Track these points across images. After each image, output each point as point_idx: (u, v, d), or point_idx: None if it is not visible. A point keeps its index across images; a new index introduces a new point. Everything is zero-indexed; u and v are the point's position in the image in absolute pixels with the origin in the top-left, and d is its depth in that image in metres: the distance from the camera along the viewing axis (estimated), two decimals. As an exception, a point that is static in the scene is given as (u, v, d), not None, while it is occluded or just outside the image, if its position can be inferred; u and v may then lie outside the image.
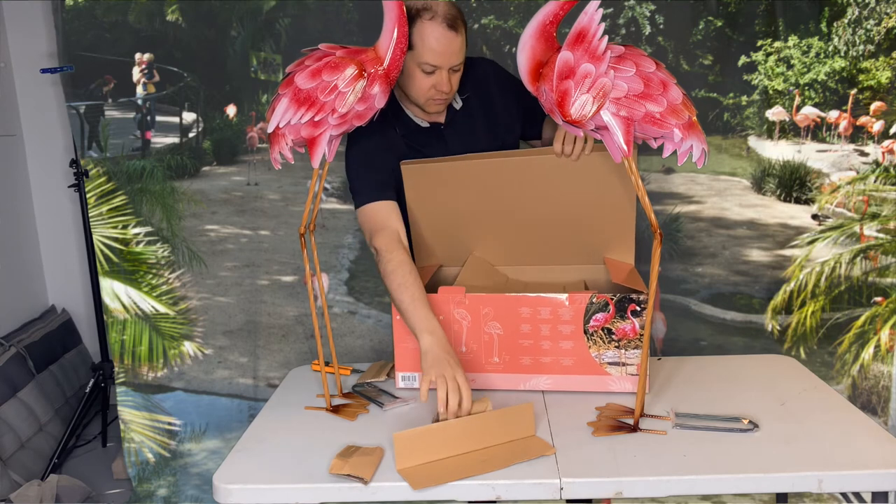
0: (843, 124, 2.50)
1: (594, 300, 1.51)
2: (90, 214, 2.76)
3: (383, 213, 1.65)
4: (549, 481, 1.24)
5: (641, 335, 1.50)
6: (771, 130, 2.55)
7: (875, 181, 2.52)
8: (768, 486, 1.26)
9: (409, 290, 1.52)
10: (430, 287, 1.66)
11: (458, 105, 1.72)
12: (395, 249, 1.59)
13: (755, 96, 2.52)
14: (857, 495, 1.52)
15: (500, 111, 1.76)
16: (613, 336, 1.52)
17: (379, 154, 1.69)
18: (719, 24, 2.48)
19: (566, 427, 1.42)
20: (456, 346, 1.57)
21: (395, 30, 1.41)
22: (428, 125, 1.72)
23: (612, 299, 1.51)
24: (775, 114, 2.53)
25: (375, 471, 1.29)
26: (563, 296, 1.52)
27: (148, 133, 2.73)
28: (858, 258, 2.53)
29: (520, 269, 1.77)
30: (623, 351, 1.53)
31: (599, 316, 1.52)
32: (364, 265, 2.70)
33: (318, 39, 1.47)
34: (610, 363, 1.54)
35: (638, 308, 1.50)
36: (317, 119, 1.41)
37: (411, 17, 1.52)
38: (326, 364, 1.66)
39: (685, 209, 2.59)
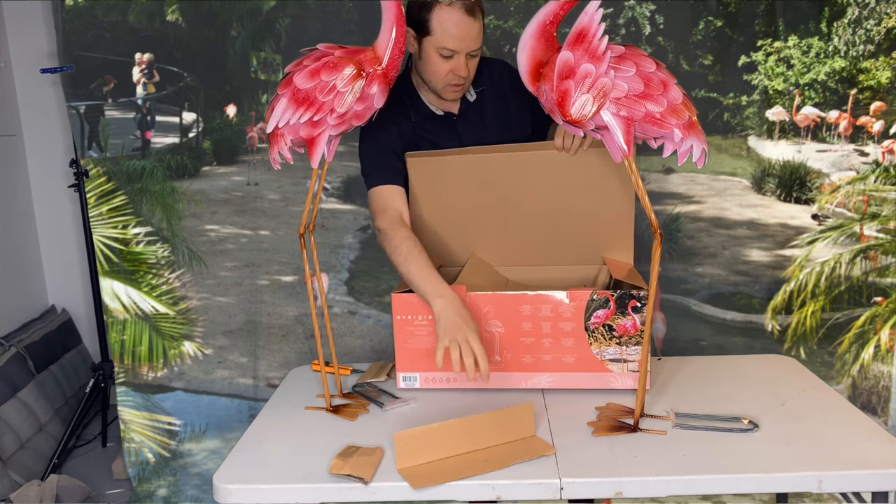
0: (843, 124, 2.50)
1: (595, 297, 1.51)
2: (90, 214, 2.76)
3: (388, 195, 1.70)
4: (549, 481, 1.24)
5: (642, 331, 1.50)
6: (771, 130, 2.54)
7: (875, 181, 2.51)
8: (768, 486, 1.26)
9: (415, 260, 1.55)
10: None
11: (472, 97, 1.75)
12: (397, 227, 1.64)
13: (755, 96, 2.52)
14: (857, 495, 1.51)
15: (512, 110, 1.78)
16: (614, 333, 1.53)
17: (393, 144, 1.72)
18: (719, 24, 2.48)
19: (566, 427, 1.42)
20: None
21: (394, 29, 1.41)
22: (442, 113, 1.74)
23: (612, 296, 1.51)
24: (775, 114, 2.52)
25: (375, 471, 1.29)
26: (564, 293, 1.52)
27: (148, 133, 2.73)
28: (858, 258, 2.53)
29: (519, 270, 1.77)
30: (624, 347, 1.53)
31: (600, 313, 1.52)
32: (364, 265, 2.70)
33: (318, 39, 1.47)
34: (611, 360, 1.54)
35: (638, 304, 1.50)
36: (315, 119, 1.41)
37: (429, 3, 1.56)
38: (326, 364, 1.66)
39: (685, 209, 2.59)
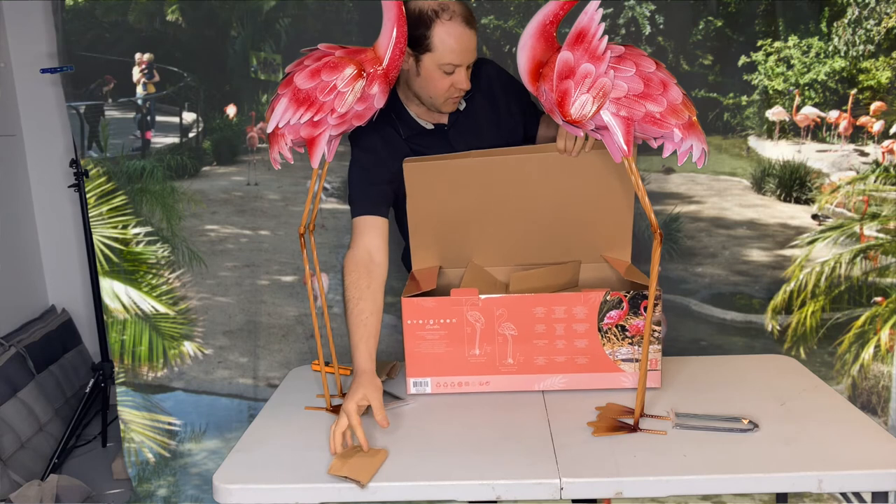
0: (843, 124, 2.50)
1: (608, 297, 1.52)
2: (90, 214, 2.76)
3: (364, 228, 1.67)
4: (549, 481, 1.24)
5: (654, 331, 1.51)
6: (771, 130, 2.54)
7: (875, 181, 2.51)
8: (768, 486, 1.26)
9: (357, 330, 1.58)
10: (440, 290, 1.66)
11: (461, 106, 1.72)
12: (353, 270, 1.61)
13: (755, 96, 2.52)
14: (857, 495, 1.51)
15: (503, 112, 1.77)
16: (627, 333, 1.53)
17: (377, 165, 1.69)
18: (719, 24, 2.48)
19: (566, 427, 1.42)
20: (469, 349, 1.57)
21: (395, 29, 1.41)
22: (432, 127, 1.72)
23: (625, 296, 1.51)
24: (775, 114, 2.52)
25: (375, 473, 1.29)
26: (578, 294, 1.53)
27: (148, 133, 2.73)
28: (858, 258, 2.53)
29: (519, 275, 1.75)
30: (636, 347, 1.54)
31: (613, 313, 1.53)
32: (364, 265, 2.70)
33: (318, 39, 1.47)
34: (623, 360, 1.55)
35: (653, 304, 1.50)
36: (316, 119, 1.41)
37: (428, 19, 1.52)
38: (326, 364, 1.66)
39: (685, 209, 2.59)
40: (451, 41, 1.54)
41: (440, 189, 1.69)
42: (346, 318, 1.59)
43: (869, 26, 2.43)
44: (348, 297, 1.59)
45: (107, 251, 2.72)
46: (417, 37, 1.54)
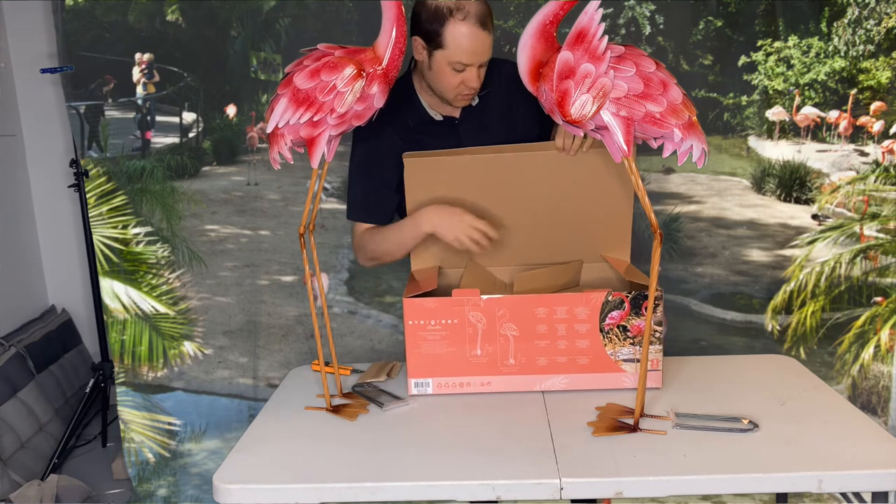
0: (843, 124, 2.50)
1: (610, 298, 1.52)
2: (90, 214, 2.76)
3: (368, 235, 1.78)
4: (549, 481, 1.24)
5: (655, 331, 1.51)
6: (771, 130, 2.54)
7: (875, 181, 2.51)
8: (768, 486, 1.26)
9: (382, 230, 1.75)
10: (440, 290, 1.65)
11: (474, 102, 1.73)
12: (360, 239, 1.78)
13: (755, 96, 2.52)
14: (857, 495, 1.51)
15: (519, 113, 1.76)
16: (628, 333, 1.53)
17: (377, 170, 1.72)
18: (719, 24, 2.48)
19: (566, 427, 1.42)
20: (470, 350, 1.57)
21: (394, 29, 1.41)
22: (441, 118, 1.72)
23: (627, 297, 1.51)
24: (775, 114, 2.52)
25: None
26: (580, 294, 1.53)
27: (148, 133, 2.73)
28: (858, 258, 2.53)
29: (524, 275, 1.75)
30: (638, 348, 1.53)
31: (615, 314, 1.53)
32: (364, 265, 2.70)
33: (318, 39, 1.47)
34: (625, 360, 1.55)
35: (653, 304, 1.50)
36: (315, 119, 1.41)
37: (442, 16, 1.54)
38: (326, 364, 1.66)
39: (685, 209, 2.59)
40: (463, 41, 1.54)
41: (439, 185, 1.69)
42: (384, 247, 1.74)
43: (869, 26, 2.43)
44: (372, 240, 1.76)
45: (107, 251, 2.72)
46: (431, 32, 1.56)
